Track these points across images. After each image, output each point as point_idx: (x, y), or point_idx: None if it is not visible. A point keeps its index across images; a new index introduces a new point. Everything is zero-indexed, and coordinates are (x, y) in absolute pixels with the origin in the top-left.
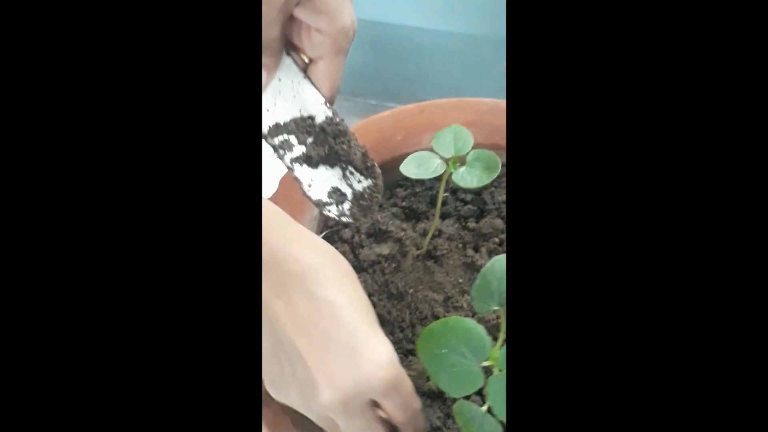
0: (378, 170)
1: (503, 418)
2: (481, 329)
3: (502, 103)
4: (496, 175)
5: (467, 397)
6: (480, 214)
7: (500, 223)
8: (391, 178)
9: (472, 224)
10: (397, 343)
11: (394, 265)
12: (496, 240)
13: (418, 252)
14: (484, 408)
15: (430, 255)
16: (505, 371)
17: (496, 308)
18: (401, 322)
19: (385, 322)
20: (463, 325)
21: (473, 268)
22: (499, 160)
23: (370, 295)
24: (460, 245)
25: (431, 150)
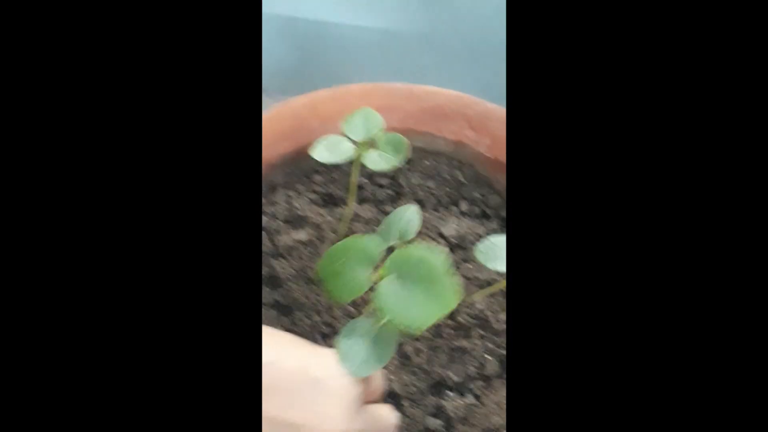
0: None
1: (392, 319)
2: (374, 242)
3: (417, 88)
4: (403, 157)
5: None
6: (396, 198)
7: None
8: (307, 165)
9: (388, 208)
10: (314, 326)
11: (311, 250)
12: None
13: (336, 237)
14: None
15: None
16: (404, 276)
17: (393, 240)
18: (317, 306)
19: (301, 307)
20: (360, 241)
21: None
22: (406, 142)
23: (287, 281)
24: (377, 229)
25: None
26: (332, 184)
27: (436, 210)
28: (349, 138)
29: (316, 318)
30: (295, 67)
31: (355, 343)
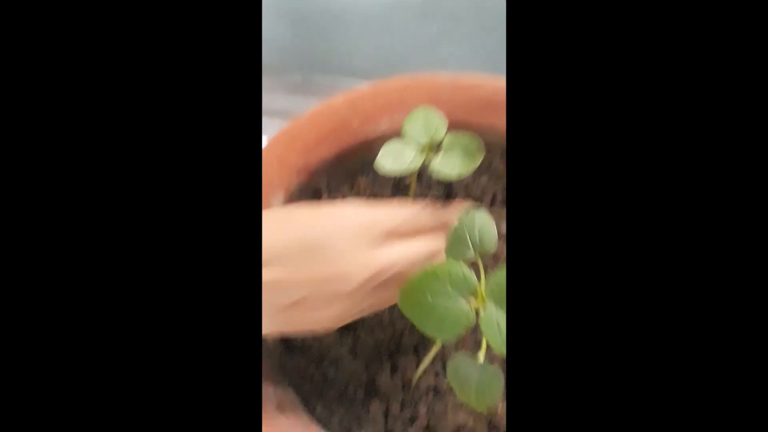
0: None
1: (503, 351)
2: (461, 266)
3: (460, 78)
4: (479, 161)
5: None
6: (448, 195)
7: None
8: (351, 168)
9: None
10: (378, 345)
11: None
12: None
13: None
14: (481, 358)
15: None
16: (502, 303)
17: (471, 255)
18: (382, 322)
19: (366, 323)
20: (442, 269)
21: None
22: (479, 142)
23: None
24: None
25: (399, 137)
26: (377, 185)
27: (492, 206)
28: (411, 143)
29: (380, 334)
30: (294, 44)
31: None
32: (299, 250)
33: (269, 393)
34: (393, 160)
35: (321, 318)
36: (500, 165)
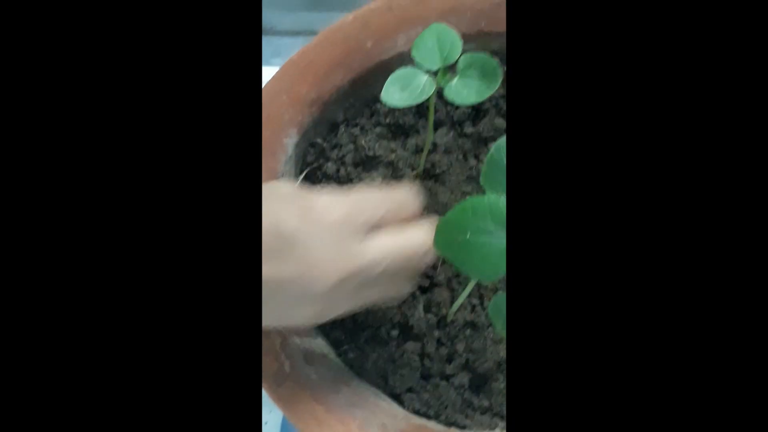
0: None
1: None
2: (501, 200)
3: None
4: (497, 85)
5: None
6: (476, 116)
7: (501, 122)
8: (368, 94)
9: (469, 129)
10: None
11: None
12: None
13: (415, 173)
14: None
15: (429, 174)
16: None
17: None
18: None
19: None
20: (481, 202)
21: (479, 180)
22: (498, 64)
23: None
24: (460, 156)
25: (413, 63)
26: (398, 111)
27: None
28: (423, 67)
29: None
30: None
31: None
32: (267, 245)
33: (294, 344)
34: (401, 90)
35: (294, 316)
36: None
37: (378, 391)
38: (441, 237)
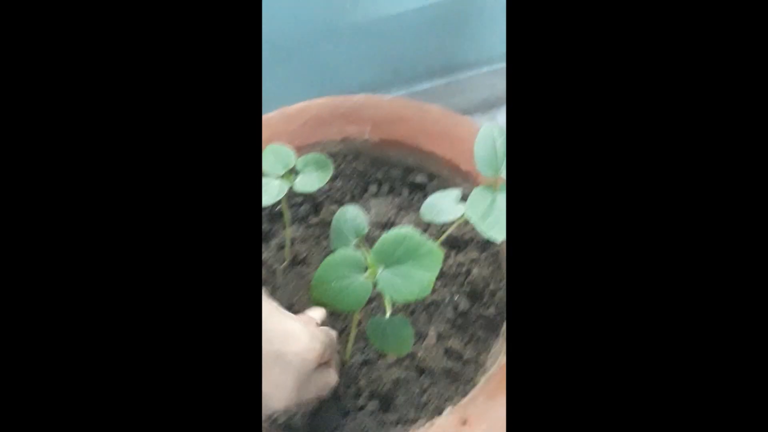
0: None
1: (406, 299)
2: (352, 251)
3: (287, 109)
4: (331, 171)
5: None
6: (316, 209)
7: (336, 208)
8: None
9: (314, 219)
10: None
11: (269, 287)
12: None
13: (284, 265)
14: (388, 313)
15: (296, 262)
16: (388, 261)
17: (353, 241)
18: None
19: None
20: (336, 258)
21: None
22: (326, 157)
23: None
24: (314, 242)
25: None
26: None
27: (353, 201)
28: (273, 175)
29: None
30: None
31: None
32: None
33: None
34: (266, 193)
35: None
36: (345, 168)
37: None
38: (315, 291)
